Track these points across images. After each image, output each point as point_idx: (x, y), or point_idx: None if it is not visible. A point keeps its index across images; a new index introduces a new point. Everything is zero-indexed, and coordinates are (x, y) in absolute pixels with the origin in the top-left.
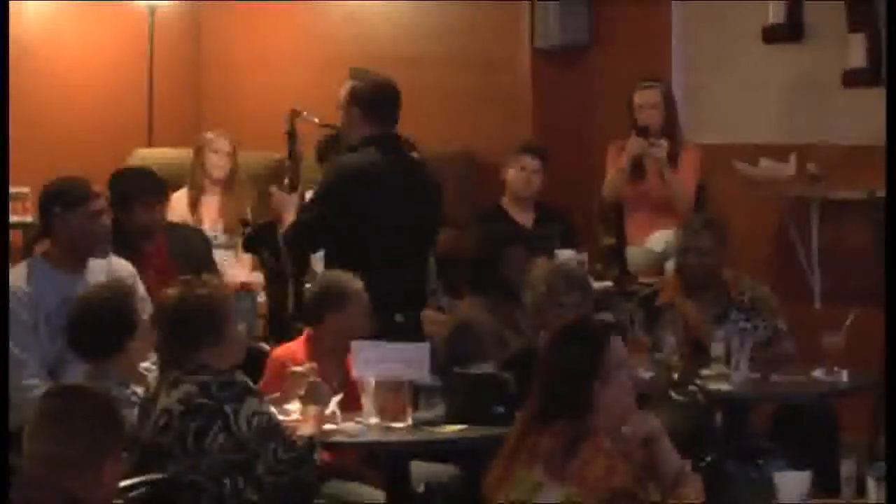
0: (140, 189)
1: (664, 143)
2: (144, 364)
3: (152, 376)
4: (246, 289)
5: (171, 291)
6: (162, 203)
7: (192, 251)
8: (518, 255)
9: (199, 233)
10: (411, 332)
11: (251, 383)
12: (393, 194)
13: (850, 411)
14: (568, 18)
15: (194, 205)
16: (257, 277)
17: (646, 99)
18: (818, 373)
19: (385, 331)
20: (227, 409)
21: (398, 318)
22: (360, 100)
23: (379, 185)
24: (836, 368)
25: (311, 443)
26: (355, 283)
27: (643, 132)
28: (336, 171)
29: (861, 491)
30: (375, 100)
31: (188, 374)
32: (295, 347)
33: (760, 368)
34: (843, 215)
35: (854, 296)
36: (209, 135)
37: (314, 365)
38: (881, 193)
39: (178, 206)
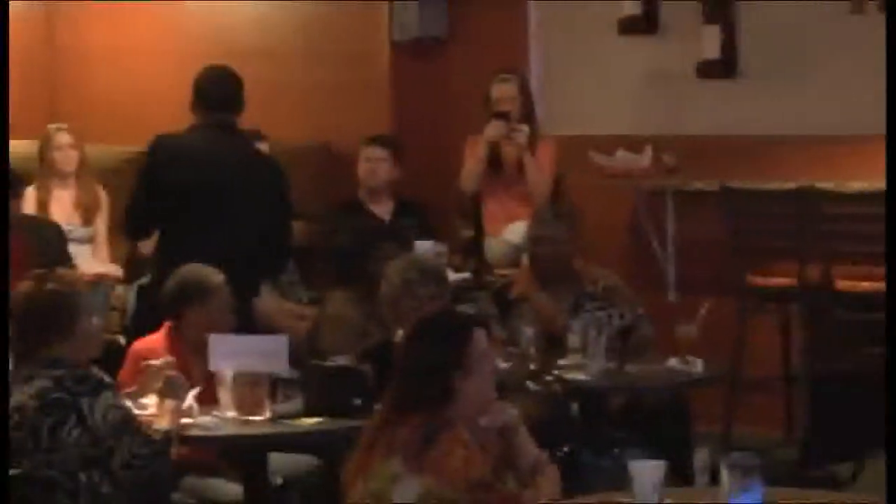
0: None
1: (525, 128)
2: None
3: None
4: (101, 280)
5: (23, 286)
6: (16, 198)
7: (47, 244)
8: (386, 250)
9: (53, 226)
10: (241, 317)
11: (107, 377)
12: (208, 174)
13: (704, 401)
14: (425, 11)
15: (43, 201)
16: (115, 269)
17: (503, 92)
18: (672, 362)
19: None
20: (83, 403)
21: None
22: (193, 89)
23: (191, 164)
24: (689, 358)
25: (167, 437)
26: (216, 276)
27: (502, 117)
28: (147, 153)
29: (714, 480)
30: (202, 87)
31: (42, 369)
32: (155, 341)
33: (618, 358)
34: (697, 206)
35: (707, 287)
36: (51, 127)
37: (171, 358)
38: (733, 184)
39: (31, 200)
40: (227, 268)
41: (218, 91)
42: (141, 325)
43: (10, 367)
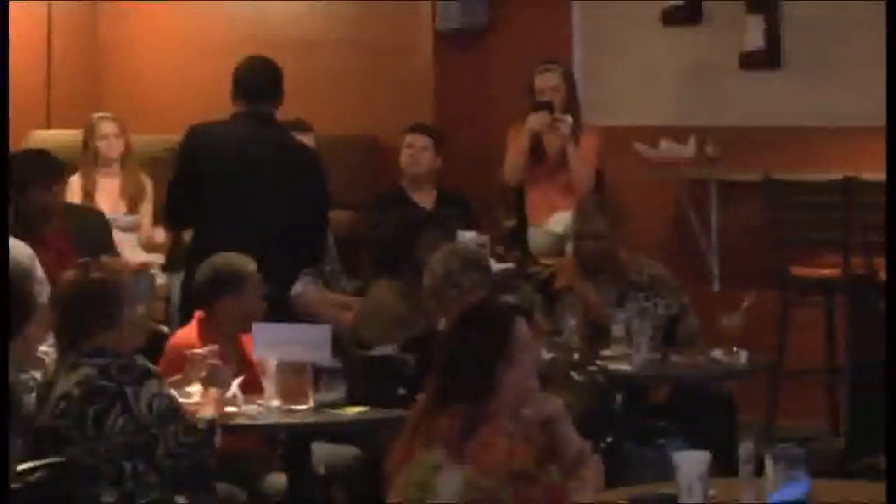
0: (36, 171)
1: (568, 118)
2: (42, 348)
3: (50, 360)
4: (145, 269)
5: (68, 275)
6: (59, 184)
7: (91, 233)
8: (430, 239)
9: (97, 214)
10: (276, 306)
11: (152, 366)
12: (242, 163)
13: (748, 392)
14: (468, 2)
15: (88, 189)
16: (159, 258)
17: (546, 82)
18: (717, 353)
19: None
20: (128, 391)
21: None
22: (232, 79)
23: (225, 153)
24: (734, 349)
25: (211, 425)
26: (249, 264)
27: (544, 108)
28: (182, 143)
29: (759, 472)
30: (240, 77)
31: (87, 357)
32: (188, 332)
33: (664, 348)
34: (740, 197)
35: (751, 278)
36: (96, 116)
37: (215, 347)
38: (777, 175)
39: (75, 189)
40: (263, 256)
41: (255, 81)
42: (187, 315)
43: (55, 355)
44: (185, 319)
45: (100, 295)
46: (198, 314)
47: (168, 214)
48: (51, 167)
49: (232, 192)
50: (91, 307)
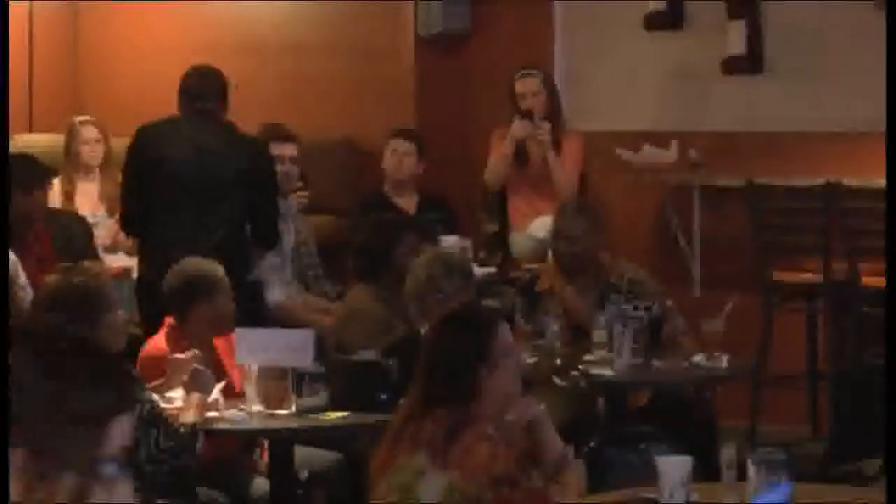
0: (18, 176)
1: (548, 125)
2: None
3: None
4: (125, 274)
5: (49, 279)
6: (42, 190)
7: (73, 238)
8: (409, 243)
9: (79, 219)
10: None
11: (133, 370)
12: (190, 155)
13: (730, 397)
14: (449, 6)
15: (69, 193)
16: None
17: (527, 87)
18: (698, 358)
19: None
20: None
21: None
22: (180, 85)
23: (173, 147)
24: (716, 354)
25: (193, 430)
26: (218, 269)
27: (527, 116)
28: (130, 144)
29: (741, 476)
30: (186, 81)
31: None
32: (159, 341)
33: (643, 352)
34: (722, 202)
35: (733, 282)
36: (77, 120)
37: (197, 352)
38: (759, 180)
39: (56, 192)
40: (216, 244)
41: (200, 83)
42: (150, 317)
43: None
44: (148, 320)
45: (81, 299)
46: (168, 321)
47: (125, 222)
48: (33, 172)
49: (179, 185)
50: (72, 311)
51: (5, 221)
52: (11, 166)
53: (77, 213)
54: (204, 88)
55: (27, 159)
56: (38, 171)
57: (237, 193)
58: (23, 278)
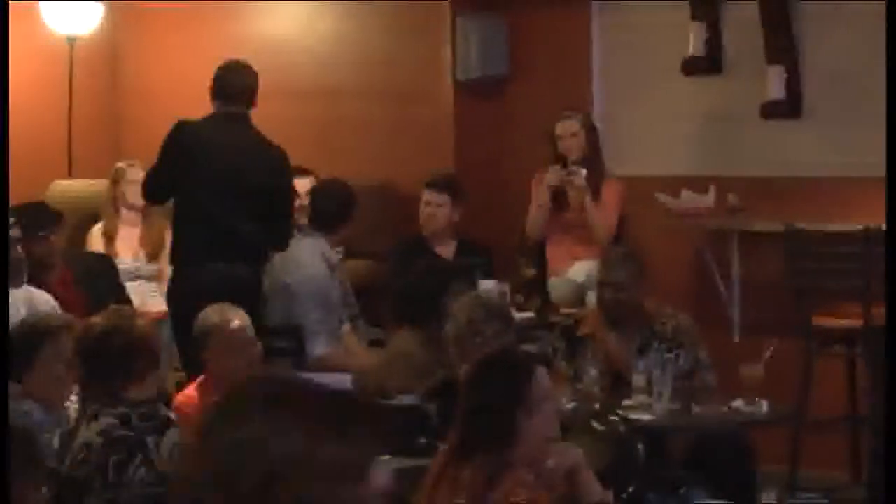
0: (31, 223)
1: (583, 171)
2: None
3: (73, 408)
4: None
5: (95, 325)
6: (55, 234)
7: (96, 278)
8: (457, 290)
9: (102, 259)
10: (250, 287)
11: (172, 415)
12: (216, 153)
13: (769, 442)
14: (488, 50)
15: (110, 237)
16: None
17: (565, 129)
18: (738, 403)
19: (215, 282)
20: (148, 441)
21: (234, 271)
22: (213, 82)
23: (205, 145)
24: (756, 399)
25: None
26: (214, 318)
27: (561, 161)
28: (168, 135)
29: None
30: (220, 81)
31: (108, 407)
32: (191, 392)
33: (681, 399)
34: (761, 247)
35: (772, 327)
36: (122, 164)
37: None
38: (799, 225)
39: (96, 237)
40: (235, 238)
41: (232, 84)
42: (177, 327)
43: (77, 402)
44: (177, 330)
45: (131, 345)
46: (200, 378)
47: (149, 189)
48: (44, 218)
49: (210, 181)
50: (121, 360)
51: (5, 229)
52: (23, 215)
53: (100, 255)
54: (236, 90)
55: (37, 206)
56: (48, 216)
57: (262, 194)
58: None
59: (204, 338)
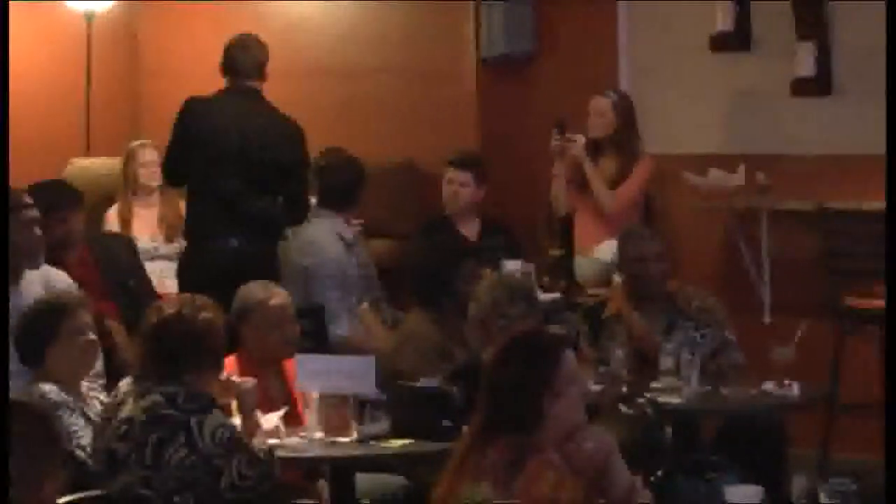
0: (50, 202)
1: (580, 138)
2: (85, 384)
3: (124, 384)
4: None
5: (167, 308)
6: (75, 213)
7: (115, 259)
8: (469, 269)
9: (122, 239)
10: (263, 263)
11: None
12: (227, 127)
13: (801, 425)
14: (513, 28)
15: (126, 218)
16: None
17: (595, 107)
18: (768, 386)
19: (227, 258)
20: (192, 421)
21: (246, 247)
22: (224, 56)
23: (219, 121)
24: (786, 381)
25: (271, 457)
26: (258, 293)
27: (559, 128)
28: (179, 112)
29: None
30: (227, 54)
31: (157, 385)
32: (229, 369)
33: (711, 381)
34: (791, 226)
35: (803, 308)
36: (134, 144)
37: (253, 380)
38: (830, 204)
39: (113, 218)
40: (250, 213)
41: (241, 59)
42: None
43: (130, 380)
44: None
45: (194, 337)
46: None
47: (167, 172)
48: (65, 196)
49: (222, 156)
50: (189, 348)
51: (5, 222)
52: (43, 193)
53: (120, 235)
54: (246, 64)
55: (57, 184)
56: (69, 194)
57: (275, 168)
58: None
59: (245, 313)
